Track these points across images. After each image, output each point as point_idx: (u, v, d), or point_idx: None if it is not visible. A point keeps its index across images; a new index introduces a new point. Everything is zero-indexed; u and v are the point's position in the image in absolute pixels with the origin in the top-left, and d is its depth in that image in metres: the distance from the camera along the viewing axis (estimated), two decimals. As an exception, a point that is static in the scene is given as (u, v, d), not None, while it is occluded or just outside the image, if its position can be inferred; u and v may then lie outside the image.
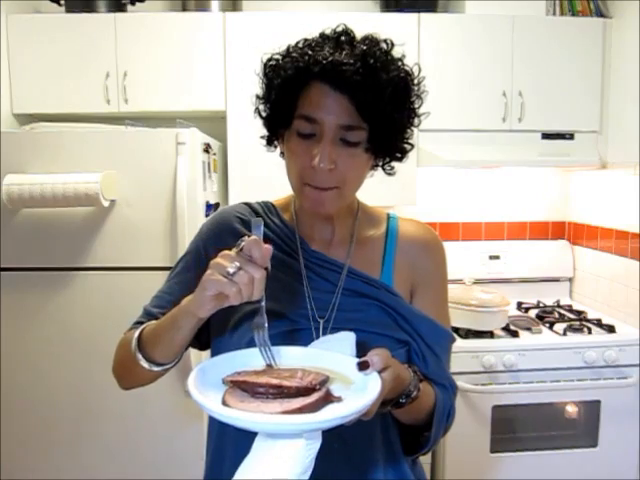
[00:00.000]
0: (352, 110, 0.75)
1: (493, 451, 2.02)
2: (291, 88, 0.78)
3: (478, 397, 1.98)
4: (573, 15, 2.30)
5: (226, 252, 0.68)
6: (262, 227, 0.71)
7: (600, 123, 2.29)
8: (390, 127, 0.78)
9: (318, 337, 0.81)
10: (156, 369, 0.78)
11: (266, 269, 0.67)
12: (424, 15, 2.20)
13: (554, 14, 2.31)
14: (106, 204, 1.78)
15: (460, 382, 1.90)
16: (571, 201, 2.66)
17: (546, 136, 2.28)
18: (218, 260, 0.67)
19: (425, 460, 2.03)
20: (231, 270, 0.65)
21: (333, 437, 0.64)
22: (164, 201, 1.82)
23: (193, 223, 1.83)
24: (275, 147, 0.88)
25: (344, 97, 0.75)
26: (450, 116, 2.21)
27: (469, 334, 2.05)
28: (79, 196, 1.73)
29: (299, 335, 0.81)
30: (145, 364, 0.78)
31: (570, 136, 2.29)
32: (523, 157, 2.25)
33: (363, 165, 0.81)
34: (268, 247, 0.67)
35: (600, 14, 2.28)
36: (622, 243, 2.26)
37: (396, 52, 0.80)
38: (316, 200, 0.79)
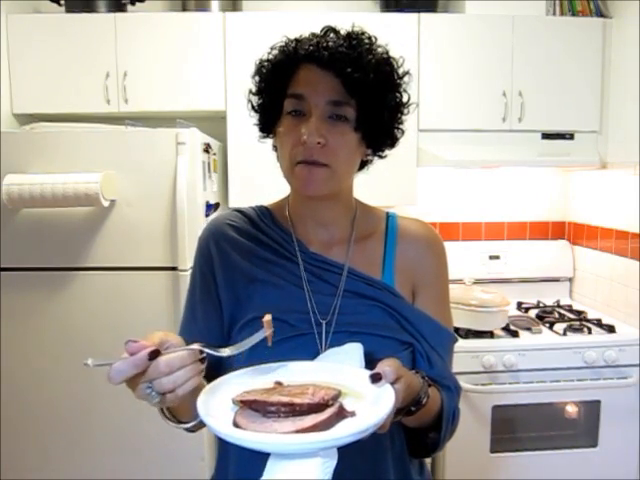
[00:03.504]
0: (339, 86, 0.77)
1: (493, 451, 2.02)
2: (280, 72, 0.80)
3: (478, 397, 1.98)
4: (573, 15, 2.30)
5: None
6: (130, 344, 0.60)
7: (600, 123, 2.29)
8: (377, 105, 0.79)
9: (321, 341, 0.80)
10: (186, 426, 0.74)
11: (157, 352, 0.59)
12: (424, 15, 2.20)
13: (554, 14, 2.31)
14: (106, 204, 1.78)
15: (460, 382, 1.90)
16: (571, 201, 2.66)
17: (546, 136, 2.28)
18: (130, 388, 0.62)
19: (425, 460, 2.03)
20: (147, 391, 0.60)
21: None
22: (164, 201, 1.82)
23: (193, 223, 1.83)
24: (268, 136, 0.88)
25: (330, 74, 0.77)
26: (450, 116, 2.21)
27: (469, 334, 2.05)
28: (79, 196, 1.73)
29: (302, 340, 0.80)
30: (172, 423, 0.75)
31: (570, 136, 2.29)
32: (523, 157, 2.24)
33: (353, 146, 0.81)
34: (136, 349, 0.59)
35: (600, 14, 2.28)
36: (622, 243, 2.26)
37: (381, 47, 0.82)
38: (307, 179, 0.79)
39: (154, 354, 0.59)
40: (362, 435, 0.58)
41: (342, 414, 0.62)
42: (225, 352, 0.67)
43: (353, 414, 0.62)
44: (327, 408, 0.62)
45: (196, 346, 0.63)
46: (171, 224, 1.82)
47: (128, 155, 1.82)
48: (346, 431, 0.57)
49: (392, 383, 0.66)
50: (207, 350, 0.64)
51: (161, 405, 0.62)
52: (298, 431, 0.58)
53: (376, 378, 0.65)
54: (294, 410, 0.61)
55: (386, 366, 0.66)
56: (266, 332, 0.68)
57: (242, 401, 0.64)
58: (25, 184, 1.73)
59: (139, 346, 0.59)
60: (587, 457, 2.05)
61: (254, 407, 0.63)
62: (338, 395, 0.64)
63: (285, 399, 0.62)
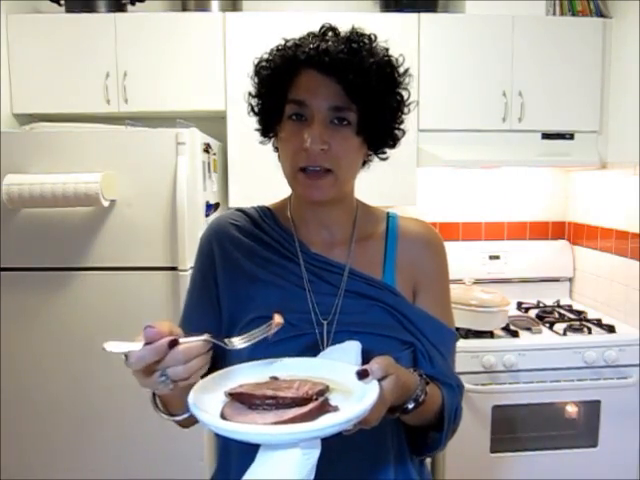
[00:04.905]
0: (340, 92, 0.77)
1: (493, 451, 2.02)
2: (280, 77, 0.80)
3: (478, 397, 1.98)
4: (573, 15, 2.30)
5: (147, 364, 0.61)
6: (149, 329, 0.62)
7: (600, 123, 2.29)
8: (379, 108, 0.79)
9: (322, 341, 0.81)
10: (177, 419, 0.76)
11: (176, 341, 0.61)
12: (424, 15, 2.20)
13: (554, 14, 2.31)
14: (106, 204, 1.78)
15: (460, 382, 1.91)
16: (571, 201, 2.66)
17: (546, 136, 2.28)
18: (139, 375, 0.63)
19: (425, 460, 2.03)
20: (161, 379, 0.61)
21: (345, 439, 0.64)
22: (164, 201, 1.82)
23: (193, 223, 1.83)
24: (269, 138, 0.88)
25: (331, 79, 0.76)
26: (450, 116, 2.21)
27: (469, 334, 2.05)
28: (79, 196, 1.73)
29: (303, 340, 0.80)
30: (164, 415, 0.77)
31: (570, 136, 2.29)
32: (523, 157, 2.25)
33: (356, 149, 0.81)
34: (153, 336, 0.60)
35: (600, 14, 2.28)
36: (622, 243, 2.25)
37: (381, 47, 0.81)
38: (310, 186, 0.79)
39: (174, 343, 0.60)
40: (340, 427, 0.59)
41: (324, 408, 0.63)
42: (232, 345, 0.69)
43: (336, 409, 0.64)
44: (310, 402, 0.63)
45: (206, 336, 0.64)
46: (171, 224, 1.82)
47: (128, 155, 1.82)
48: (322, 423, 0.60)
49: (380, 380, 0.66)
50: (215, 341, 0.66)
51: (171, 392, 0.63)
52: (277, 422, 0.60)
53: (363, 375, 0.66)
54: (277, 403, 0.64)
55: (375, 363, 0.67)
56: (271, 330, 0.70)
57: (230, 394, 0.66)
58: (25, 184, 1.73)
59: (157, 333, 0.60)
60: (587, 457, 2.05)
61: (241, 399, 0.65)
62: (324, 390, 0.66)
63: (270, 392, 0.65)
